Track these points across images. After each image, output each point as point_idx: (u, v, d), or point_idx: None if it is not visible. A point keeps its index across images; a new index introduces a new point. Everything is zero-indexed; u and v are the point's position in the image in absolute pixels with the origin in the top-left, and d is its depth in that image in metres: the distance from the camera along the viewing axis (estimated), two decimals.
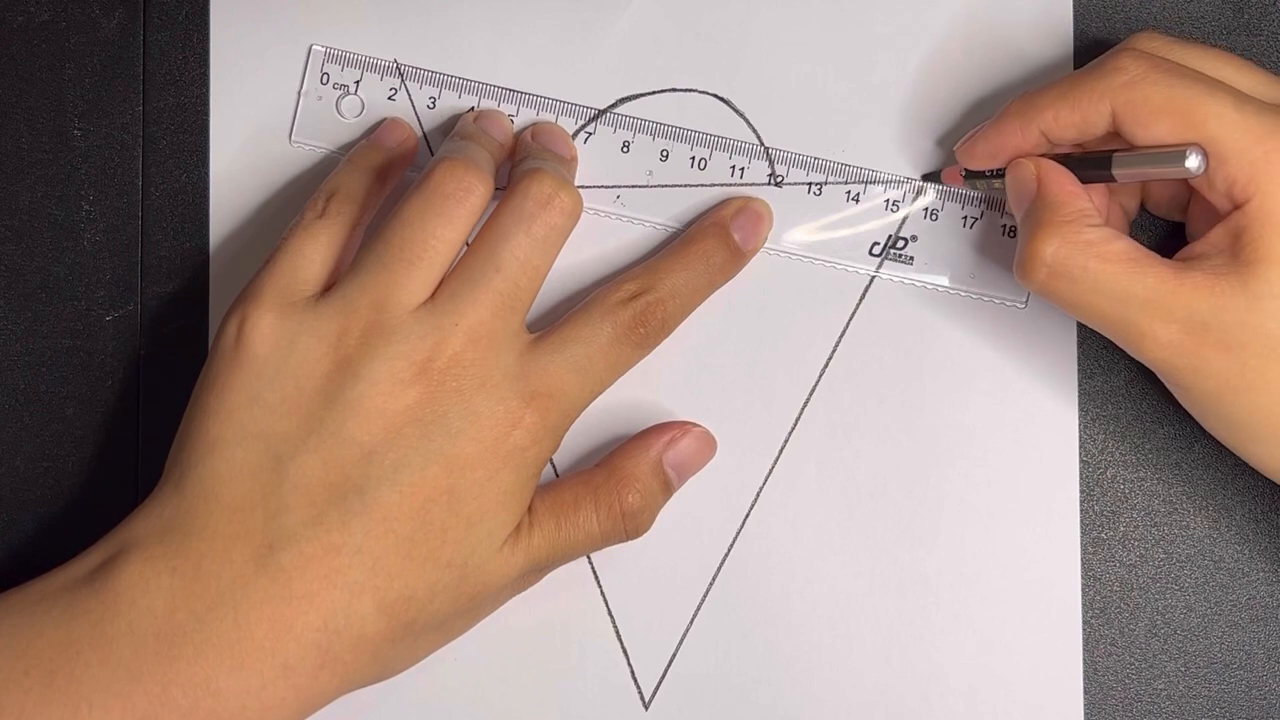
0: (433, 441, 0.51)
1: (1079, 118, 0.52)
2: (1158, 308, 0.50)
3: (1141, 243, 0.52)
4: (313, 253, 0.54)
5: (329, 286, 0.54)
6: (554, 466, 0.59)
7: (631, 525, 0.55)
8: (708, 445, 0.58)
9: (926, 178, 0.59)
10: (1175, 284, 0.50)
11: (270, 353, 0.52)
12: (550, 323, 0.56)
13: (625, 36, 0.59)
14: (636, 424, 0.58)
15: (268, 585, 0.50)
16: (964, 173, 0.57)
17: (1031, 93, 0.54)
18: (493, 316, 0.52)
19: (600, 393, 0.55)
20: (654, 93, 0.59)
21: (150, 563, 0.50)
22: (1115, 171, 0.52)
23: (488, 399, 0.52)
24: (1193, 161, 0.50)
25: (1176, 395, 0.53)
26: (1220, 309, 0.49)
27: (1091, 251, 0.51)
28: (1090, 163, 0.53)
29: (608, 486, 0.55)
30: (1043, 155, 0.54)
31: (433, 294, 0.53)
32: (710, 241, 0.57)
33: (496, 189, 0.55)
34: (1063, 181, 0.53)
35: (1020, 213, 0.54)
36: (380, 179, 0.57)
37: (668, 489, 0.57)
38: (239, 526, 0.51)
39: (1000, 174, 0.56)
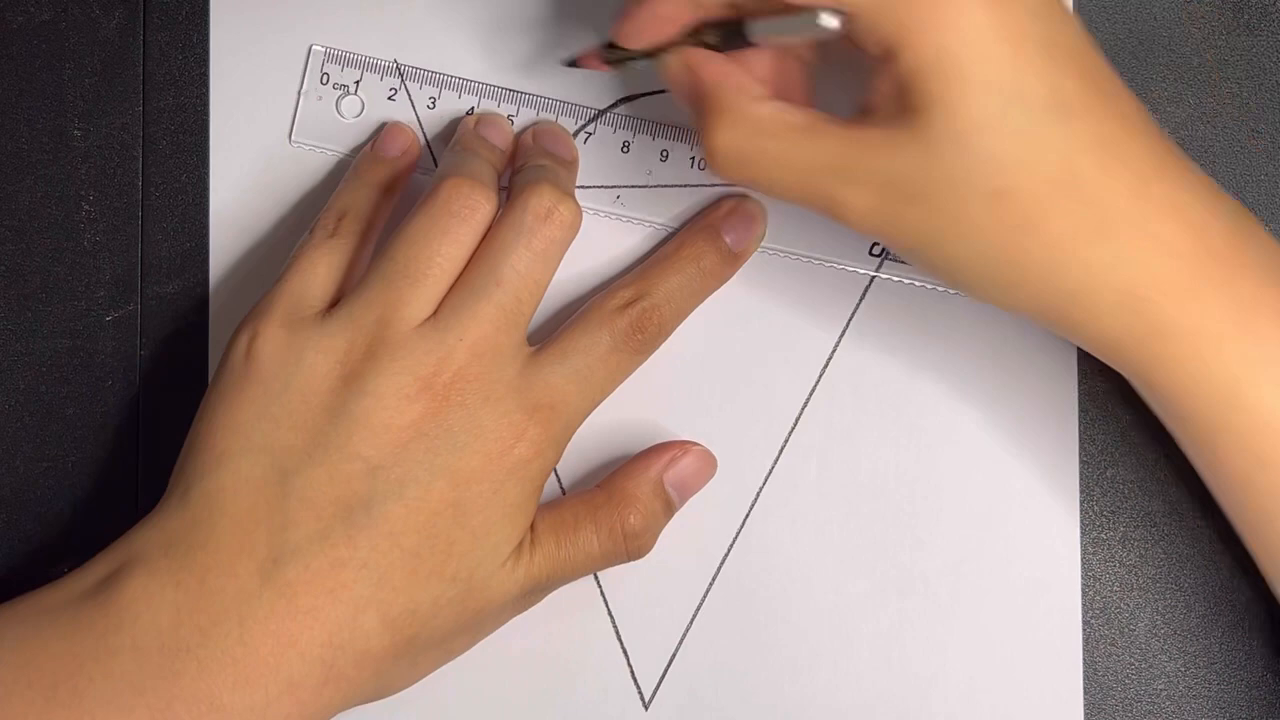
0: (438, 456, 0.52)
1: None
2: (843, 173, 0.49)
3: None
4: (321, 270, 0.54)
5: (338, 302, 0.54)
6: (559, 479, 0.59)
7: (634, 546, 0.56)
8: (708, 464, 0.58)
9: (567, 63, 0.57)
10: (852, 145, 0.48)
11: (278, 368, 0.52)
12: (551, 327, 0.56)
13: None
14: (639, 425, 0.58)
15: (273, 600, 0.50)
16: (605, 55, 0.55)
17: None
18: (495, 331, 0.52)
19: (601, 401, 0.55)
20: (654, 93, 0.59)
21: (155, 577, 0.50)
22: (752, 38, 0.50)
23: (492, 413, 0.52)
24: (829, 22, 0.48)
25: (898, 255, 0.52)
26: (900, 163, 0.48)
27: (763, 129, 0.50)
28: (728, 32, 0.51)
29: (608, 508, 0.55)
30: (702, 23, 0.52)
31: (436, 309, 0.53)
32: (701, 245, 0.57)
33: (500, 188, 0.56)
34: (712, 65, 0.51)
35: (690, 111, 0.52)
36: (387, 192, 0.57)
37: (669, 509, 0.57)
38: (244, 540, 0.51)
39: (640, 55, 0.53)
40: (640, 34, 0.53)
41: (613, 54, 0.54)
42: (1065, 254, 0.48)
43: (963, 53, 0.46)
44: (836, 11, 0.48)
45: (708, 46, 0.52)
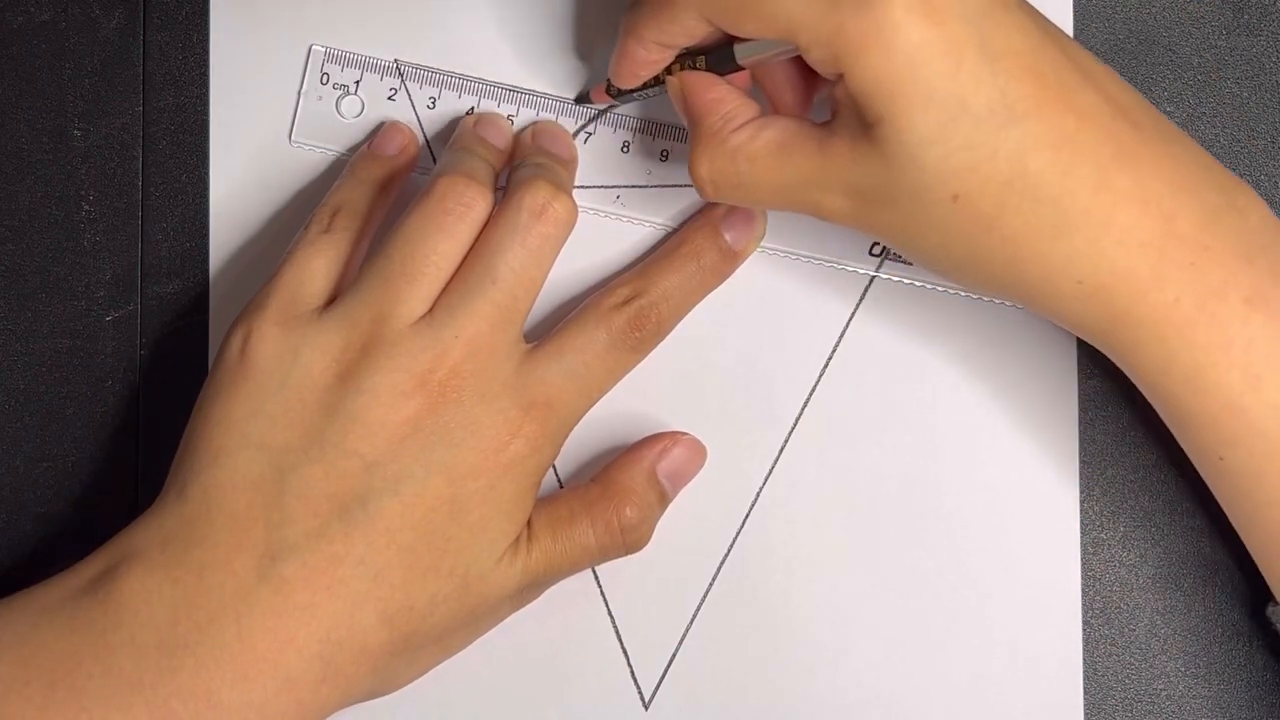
0: (434, 452, 0.52)
1: (679, 28, 0.51)
2: (815, 185, 0.50)
3: None
4: (317, 267, 0.54)
5: (333, 300, 0.54)
6: (557, 474, 0.59)
7: (630, 539, 0.56)
8: (699, 453, 0.58)
9: (579, 100, 0.59)
10: (820, 160, 0.50)
11: (274, 365, 0.52)
12: (550, 326, 0.56)
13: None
14: (639, 423, 0.58)
15: (270, 596, 0.50)
16: (610, 91, 0.57)
17: (631, 10, 0.53)
18: (491, 328, 0.53)
19: (598, 399, 0.55)
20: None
21: (152, 573, 0.51)
22: (741, 61, 0.52)
23: (488, 410, 0.52)
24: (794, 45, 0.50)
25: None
26: (864, 172, 0.49)
27: (740, 156, 0.51)
28: (719, 58, 0.53)
29: (604, 501, 0.55)
30: (691, 52, 0.54)
31: (432, 307, 0.53)
32: (701, 242, 0.57)
33: (498, 188, 0.56)
34: (703, 90, 0.53)
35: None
36: (384, 190, 0.57)
37: (663, 500, 0.57)
38: (241, 537, 0.51)
39: (645, 87, 0.56)
40: (629, 79, 0.55)
41: (615, 89, 0.56)
42: (1025, 249, 0.49)
43: (900, 73, 0.47)
44: None
45: (704, 68, 0.53)
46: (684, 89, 0.53)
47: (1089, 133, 0.48)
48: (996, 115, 0.47)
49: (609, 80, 0.56)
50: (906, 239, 0.50)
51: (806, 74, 0.54)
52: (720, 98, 0.52)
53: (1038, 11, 0.50)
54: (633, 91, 0.56)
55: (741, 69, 0.53)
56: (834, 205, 0.50)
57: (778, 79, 0.54)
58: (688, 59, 0.54)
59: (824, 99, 0.54)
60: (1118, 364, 0.51)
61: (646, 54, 0.53)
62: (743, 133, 0.51)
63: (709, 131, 0.52)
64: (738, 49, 0.52)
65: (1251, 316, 0.49)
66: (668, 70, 0.54)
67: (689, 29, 0.51)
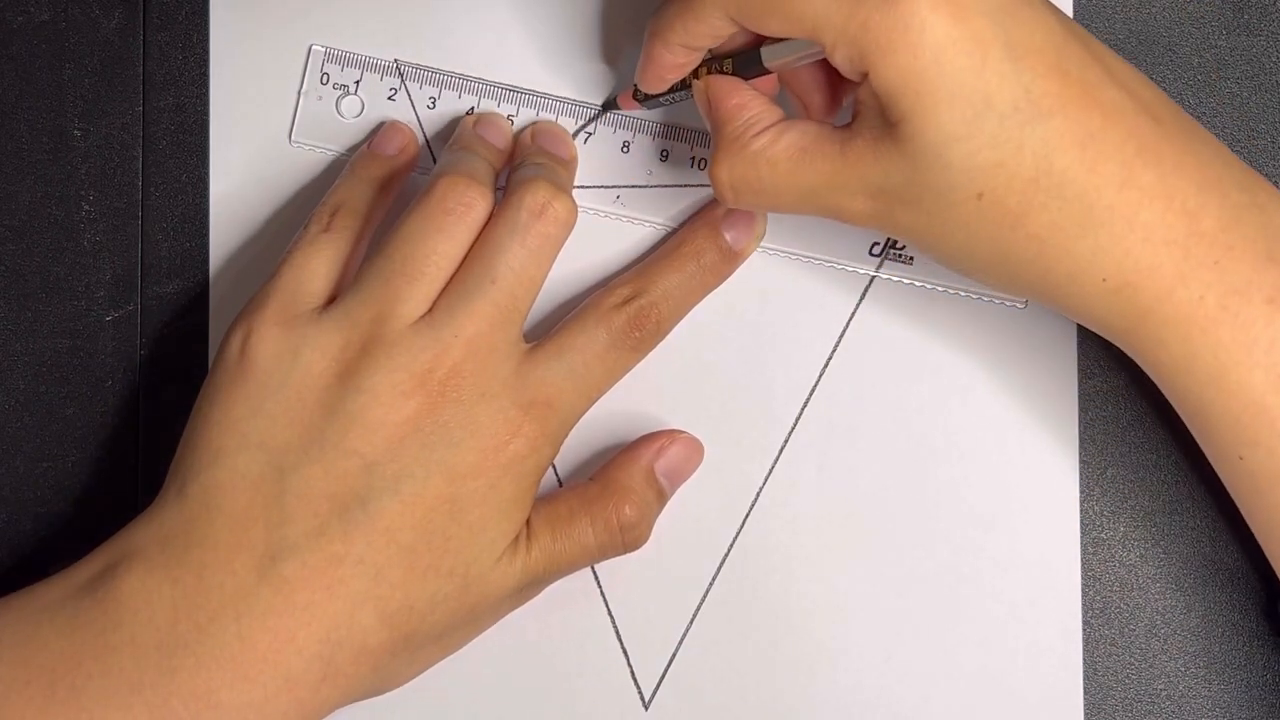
0: (434, 452, 0.52)
1: (706, 28, 0.51)
2: (837, 188, 0.50)
3: None
4: (317, 266, 0.54)
5: (332, 299, 0.54)
6: (556, 472, 0.59)
7: (630, 537, 0.56)
8: (696, 451, 0.58)
9: (606, 106, 0.59)
10: (842, 162, 0.50)
11: (273, 365, 0.52)
12: (550, 324, 0.56)
13: (626, 35, 0.59)
14: (639, 423, 0.58)
15: (270, 596, 0.50)
16: (637, 96, 0.57)
17: (658, 11, 0.53)
18: (491, 328, 0.53)
19: (598, 398, 0.55)
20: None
21: (152, 573, 0.51)
22: (767, 64, 0.52)
23: (487, 409, 0.52)
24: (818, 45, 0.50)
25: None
26: (888, 172, 0.49)
27: (761, 160, 0.51)
28: (745, 61, 0.53)
29: (603, 500, 0.56)
30: (718, 55, 0.54)
31: (431, 306, 0.53)
32: (701, 242, 0.57)
33: (498, 188, 0.56)
34: (727, 95, 0.53)
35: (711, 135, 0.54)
36: (383, 189, 0.57)
37: (661, 498, 0.57)
38: (241, 536, 0.51)
39: (671, 91, 0.56)
40: (656, 83, 0.55)
41: (642, 95, 0.56)
42: (1051, 247, 0.49)
43: (926, 70, 0.47)
44: None
45: (730, 72, 0.54)
46: (709, 94, 0.53)
47: (1113, 129, 0.48)
48: (1021, 112, 0.47)
49: (635, 85, 0.56)
50: (931, 239, 0.50)
51: (833, 77, 0.54)
52: (743, 103, 0.52)
53: (1059, 8, 0.50)
54: (660, 96, 0.56)
55: (768, 72, 0.53)
56: (856, 208, 0.50)
57: (805, 83, 0.54)
58: (714, 63, 0.54)
59: (850, 105, 0.54)
60: (1139, 362, 0.51)
61: (672, 57, 0.53)
62: (763, 138, 0.51)
63: (730, 137, 0.52)
64: (764, 51, 0.52)
65: (1275, 316, 0.49)
66: (694, 74, 0.54)
67: (714, 29, 0.51)
